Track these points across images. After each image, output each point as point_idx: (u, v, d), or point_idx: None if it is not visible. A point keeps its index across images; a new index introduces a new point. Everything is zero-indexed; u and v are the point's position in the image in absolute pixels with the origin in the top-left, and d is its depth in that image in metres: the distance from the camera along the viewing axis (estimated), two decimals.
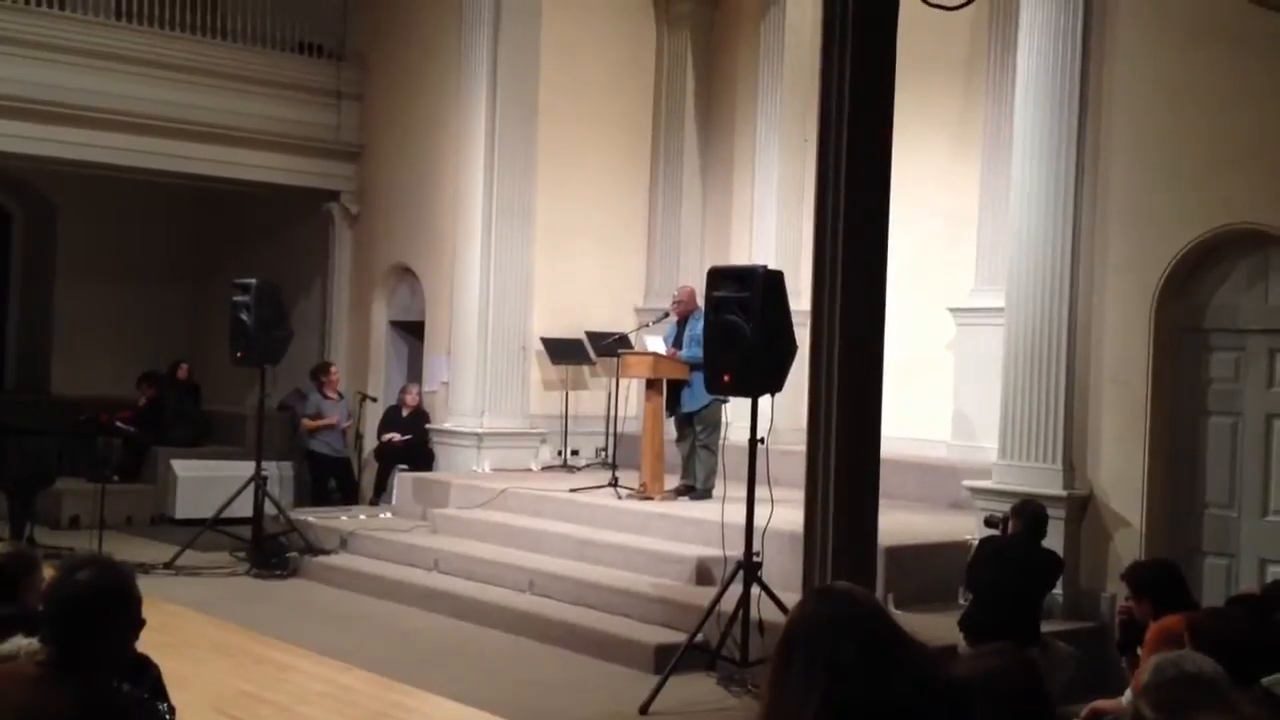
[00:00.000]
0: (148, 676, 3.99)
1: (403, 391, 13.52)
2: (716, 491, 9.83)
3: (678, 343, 10.56)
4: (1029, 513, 7.42)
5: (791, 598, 7.24)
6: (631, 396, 11.74)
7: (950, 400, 10.89)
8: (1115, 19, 8.47)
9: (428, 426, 13.22)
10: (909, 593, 8.42)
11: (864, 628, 2.34)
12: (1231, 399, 8.19)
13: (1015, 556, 7.26)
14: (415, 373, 14.00)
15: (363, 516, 12.11)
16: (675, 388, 10.52)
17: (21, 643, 3.50)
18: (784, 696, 2.33)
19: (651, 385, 10.73)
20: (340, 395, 13.73)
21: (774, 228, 12.26)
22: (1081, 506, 8.45)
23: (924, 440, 10.93)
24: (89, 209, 15.76)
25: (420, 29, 13.70)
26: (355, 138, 14.44)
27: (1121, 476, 8.36)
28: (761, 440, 7.70)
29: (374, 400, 13.99)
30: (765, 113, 12.43)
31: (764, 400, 7.74)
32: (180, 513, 13.21)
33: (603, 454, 12.81)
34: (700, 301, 9.22)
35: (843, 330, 5.81)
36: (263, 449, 11.68)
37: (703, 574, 9.04)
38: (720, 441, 10.27)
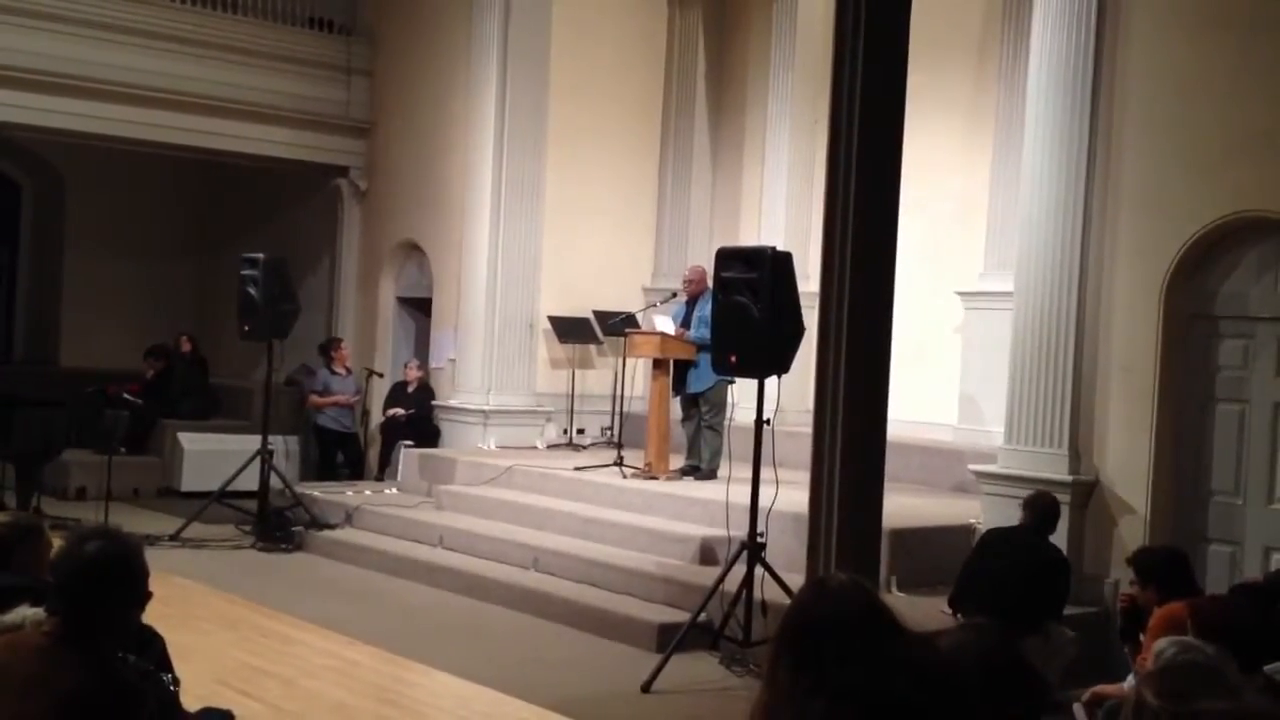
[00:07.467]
0: (153, 648, 4.01)
1: (405, 367, 13.53)
2: (721, 472, 9.84)
3: (686, 322, 10.54)
4: (1039, 506, 7.36)
5: (794, 578, 7.26)
6: (638, 376, 11.72)
7: (957, 384, 10.88)
8: (1128, 5, 8.43)
9: (434, 403, 13.23)
10: (912, 575, 8.43)
11: (851, 624, 2.46)
12: (1239, 386, 8.18)
13: (1019, 544, 7.23)
14: (423, 349, 14.01)
15: (368, 492, 12.13)
16: (682, 368, 10.51)
17: (28, 613, 3.51)
18: (777, 683, 2.50)
19: (658, 365, 10.72)
20: (349, 370, 13.75)
21: (783, 210, 12.20)
22: (1087, 492, 8.44)
23: (930, 423, 10.92)
24: (98, 182, 15.76)
25: (431, 5, 13.66)
26: (365, 113, 14.43)
27: (1127, 462, 8.35)
28: (767, 421, 7.69)
29: (380, 376, 14.00)
30: (776, 94, 12.37)
31: (770, 381, 7.73)
32: (186, 485, 13.24)
33: (608, 433, 12.81)
34: (711, 282, 9.21)
35: (851, 312, 5.82)
36: (270, 423, 11.70)
37: (706, 554, 9.06)
38: (726, 422, 10.25)
